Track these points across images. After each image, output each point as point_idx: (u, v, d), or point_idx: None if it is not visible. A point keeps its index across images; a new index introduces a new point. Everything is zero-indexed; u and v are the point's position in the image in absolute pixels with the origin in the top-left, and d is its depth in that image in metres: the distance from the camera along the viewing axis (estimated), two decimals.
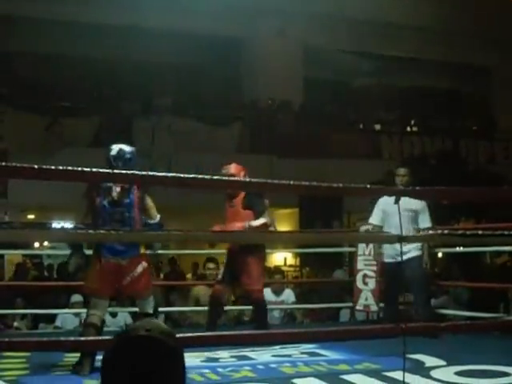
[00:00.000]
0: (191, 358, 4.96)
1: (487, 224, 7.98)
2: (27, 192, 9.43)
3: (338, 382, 4.21)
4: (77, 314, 7.22)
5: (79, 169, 2.52)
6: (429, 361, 4.68)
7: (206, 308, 7.29)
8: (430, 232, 6.10)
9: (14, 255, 10.59)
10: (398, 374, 3.73)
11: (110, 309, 6.58)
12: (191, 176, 2.80)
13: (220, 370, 4.61)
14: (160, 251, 5.86)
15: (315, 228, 10.74)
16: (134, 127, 11.92)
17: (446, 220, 6.29)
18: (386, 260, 6.30)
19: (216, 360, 4.95)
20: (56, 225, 12.34)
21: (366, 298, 7.33)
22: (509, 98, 15.79)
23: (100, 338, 3.79)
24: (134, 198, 4.71)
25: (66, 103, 12.18)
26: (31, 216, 12.73)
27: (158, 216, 4.86)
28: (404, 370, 3.17)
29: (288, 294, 7.78)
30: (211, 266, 7.59)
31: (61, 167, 2.52)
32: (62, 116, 11.79)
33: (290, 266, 13.43)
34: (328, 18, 14.86)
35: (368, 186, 3.65)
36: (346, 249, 8.47)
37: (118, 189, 4.68)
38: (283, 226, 11.86)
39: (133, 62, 14.92)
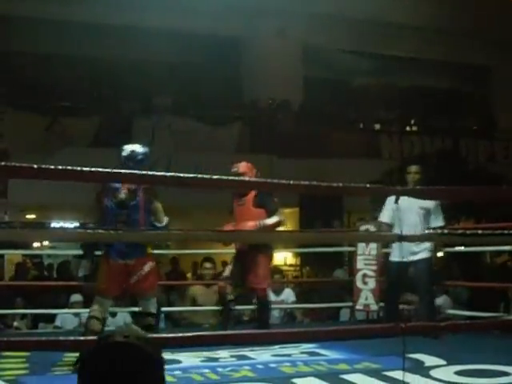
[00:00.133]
0: (191, 358, 4.97)
1: (487, 223, 7.98)
2: (27, 192, 9.44)
3: (338, 381, 4.21)
4: (76, 314, 7.22)
5: (78, 168, 2.52)
6: (428, 360, 4.67)
7: (203, 308, 7.32)
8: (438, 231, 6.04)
9: (14, 255, 10.59)
10: (397, 374, 3.73)
11: (110, 309, 6.58)
12: (191, 176, 2.80)
13: (220, 369, 4.61)
14: (161, 251, 5.88)
15: (315, 227, 10.74)
16: (133, 127, 11.91)
17: (446, 219, 6.25)
18: (393, 259, 6.16)
19: (216, 360, 4.95)
20: (56, 224, 12.35)
21: (366, 297, 7.33)
22: (509, 97, 15.78)
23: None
24: (140, 200, 4.76)
25: (65, 103, 12.18)
26: (31, 216, 12.72)
27: (166, 219, 4.90)
28: (404, 370, 3.17)
29: (288, 294, 7.78)
30: (208, 265, 7.58)
31: (60, 167, 2.52)
32: (62, 116, 11.79)
33: (290, 265, 13.42)
34: (328, 17, 14.86)
35: (367, 185, 3.65)
36: (346, 248, 8.46)
37: (125, 190, 4.74)
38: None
39: (133, 62, 14.91)
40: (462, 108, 17.20)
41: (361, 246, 7.45)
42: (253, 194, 5.89)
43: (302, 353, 5.15)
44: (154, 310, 4.91)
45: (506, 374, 4.20)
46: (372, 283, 7.32)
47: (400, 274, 6.06)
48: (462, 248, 7.11)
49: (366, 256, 7.41)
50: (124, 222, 4.69)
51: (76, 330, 6.54)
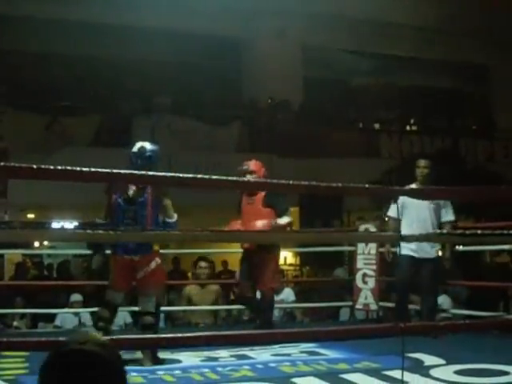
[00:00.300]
0: (191, 358, 4.98)
1: (487, 223, 7.98)
2: (27, 191, 9.43)
3: (338, 381, 4.22)
4: (76, 314, 7.22)
5: (77, 168, 2.52)
6: (428, 360, 4.68)
7: (203, 308, 7.32)
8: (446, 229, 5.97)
9: (13, 254, 10.58)
10: (397, 373, 3.74)
11: None
12: (191, 176, 2.80)
13: (219, 369, 4.61)
14: (163, 250, 5.89)
15: (315, 227, 10.74)
16: (133, 127, 11.91)
17: None
18: (405, 253, 5.91)
19: (215, 359, 4.96)
20: (56, 224, 12.35)
21: (366, 296, 7.34)
22: (508, 97, 15.79)
23: (106, 338, 3.77)
24: (148, 196, 4.84)
25: (65, 103, 12.17)
26: (31, 215, 12.72)
27: (175, 215, 4.98)
28: (403, 369, 3.17)
29: (288, 293, 7.78)
30: (203, 264, 7.58)
31: (59, 167, 2.52)
32: (62, 115, 11.79)
33: (290, 264, 13.43)
34: (327, 17, 14.85)
35: (367, 185, 3.65)
36: (346, 248, 8.47)
37: (134, 187, 4.83)
38: None
39: (133, 62, 14.91)
40: (461, 108, 17.20)
41: (360, 245, 7.46)
42: (262, 193, 5.89)
43: (302, 352, 5.15)
44: (152, 309, 4.93)
45: (505, 373, 4.20)
46: (372, 283, 7.33)
47: (411, 268, 5.92)
48: (461, 247, 7.11)
49: (365, 255, 7.42)
50: (132, 218, 4.80)
51: (76, 329, 6.54)
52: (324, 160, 12.40)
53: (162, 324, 6.85)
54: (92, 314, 7.29)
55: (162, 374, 4.49)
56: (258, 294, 6.21)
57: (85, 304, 7.39)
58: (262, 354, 5.08)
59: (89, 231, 4.32)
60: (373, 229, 7.38)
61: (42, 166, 2.51)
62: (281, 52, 15.04)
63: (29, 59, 14.55)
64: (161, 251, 5.18)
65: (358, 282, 7.43)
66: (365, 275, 7.38)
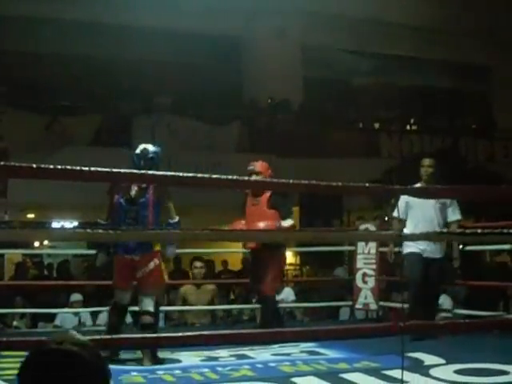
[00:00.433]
0: (191, 357, 4.98)
1: (487, 222, 7.99)
2: (27, 191, 9.43)
3: (338, 380, 4.22)
4: (76, 313, 7.23)
5: (78, 168, 2.52)
6: (428, 359, 4.68)
7: (204, 308, 7.32)
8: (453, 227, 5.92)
9: (14, 254, 10.59)
10: (397, 373, 3.74)
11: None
12: (190, 175, 2.80)
13: (219, 369, 4.61)
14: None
15: (315, 226, 10.74)
16: (133, 126, 11.91)
17: None
18: (413, 250, 5.82)
19: (215, 359, 4.96)
20: (55, 224, 12.35)
21: (366, 296, 7.35)
22: (508, 97, 15.79)
23: (106, 337, 3.78)
24: (149, 197, 4.93)
25: (65, 102, 12.17)
26: (31, 215, 12.72)
27: (177, 217, 5.07)
28: (402, 369, 3.17)
29: (287, 293, 7.79)
30: (198, 264, 7.58)
31: (59, 166, 2.52)
32: (62, 115, 11.79)
33: (290, 264, 13.42)
34: (328, 17, 14.86)
35: (367, 184, 3.65)
36: (346, 247, 8.47)
37: (136, 188, 4.93)
38: None
39: (132, 62, 14.90)
40: (461, 107, 17.20)
41: (360, 245, 7.46)
42: (267, 194, 5.93)
43: (302, 352, 5.15)
44: (152, 309, 4.96)
45: (505, 372, 4.20)
46: (372, 282, 7.33)
47: (422, 265, 5.79)
48: (461, 247, 7.10)
49: (365, 255, 7.43)
50: (133, 219, 4.90)
51: (76, 329, 6.53)
52: (324, 160, 12.40)
53: (161, 324, 6.86)
54: (92, 313, 7.31)
55: (161, 374, 4.49)
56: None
57: (85, 304, 7.40)
58: (262, 354, 5.09)
59: (89, 230, 4.33)
60: (373, 228, 7.39)
61: (42, 166, 2.51)
62: (281, 52, 15.04)
63: (29, 59, 14.55)
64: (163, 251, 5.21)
65: (358, 282, 7.43)
66: (365, 275, 7.39)
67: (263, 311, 6.24)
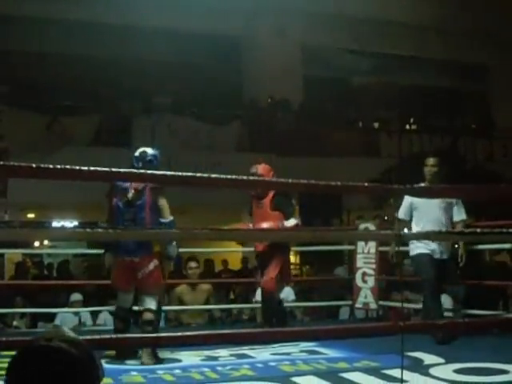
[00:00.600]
0: (191, 357, 4.98)
1: (486, 222, 7.98)
2: (27, 191, 9.43)
3: (338, 379, 4.22)
4: (76, 313, 7.23)
5: (77, 168, 2.53)
6: (428, 358, 4.69)
7: (203, 307, 7.32)
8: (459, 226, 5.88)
9: (14, 254, 10.59)
10: (396, 372, 3.75)
11: (110, 308, 6.59)
12: (190, 175, 2.81)
13: (219, 368, 4.62)
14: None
15: (315, 226, 10.74)
16: (133, 126, 11.91)
17: None
18: (422, 251, 5.77)
19: (215, 358, 4.97)
20: (56, 223, 12.35)
21: (366, 295, 7.35)
22: (508, 96, 15.79)
23: (106, 336, 3.78)
24: (146, 199, 5.01)
25: (65, 102, 12.17)
26: (31, 215, 12.73)
27: (171, 217, 5.10)
28: (402, 368, 3.18)
29: (287, 292, 7.79)
30: (193, 265, 7.58)
31: (59, 166, 2.52)
32: (62, 115, 11.79)
33: (290, 263, 13.41)
34: (328, 16, 14.86)
35: (366, 184, 3.65)
36: (346, 247, 8.48)
37: (133, 190, 5.01)
38: None
39: (133, 62, 14.90)
40: (461, 107, 17.21)
41: (360, 244, 7.46)
42: (270, 196, 5.99)
43: (302, 351, 5.16)
44: (153, 307, 5.01)
45: (504, 372, 4.21)
46: (371, 282, 7.34)
47: (433, 265, 5.73)
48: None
49: (365, 254, 7.43)
50: (131, 220, 4.97)
51: (76, 329, 6.54)
52: (324, 159, 12.39)
53: (162, 323, 6.86)
54: (92, 313, 7.32)
55: (161, 374, 4.50)
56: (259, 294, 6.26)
57: (85, 304, 7.40)
58: (262, 353, 5.09)
59: (88, 230, 4.33)
60: (372, 228, 7.39)
61: (42, 165, 2.51)
62: (281, 51, 15.04)
63: (29, 59, 14.54)
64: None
65: (358, 281, 7.44)
66: (364, 274, 7.39)
67: (265, 309, 6.26)
